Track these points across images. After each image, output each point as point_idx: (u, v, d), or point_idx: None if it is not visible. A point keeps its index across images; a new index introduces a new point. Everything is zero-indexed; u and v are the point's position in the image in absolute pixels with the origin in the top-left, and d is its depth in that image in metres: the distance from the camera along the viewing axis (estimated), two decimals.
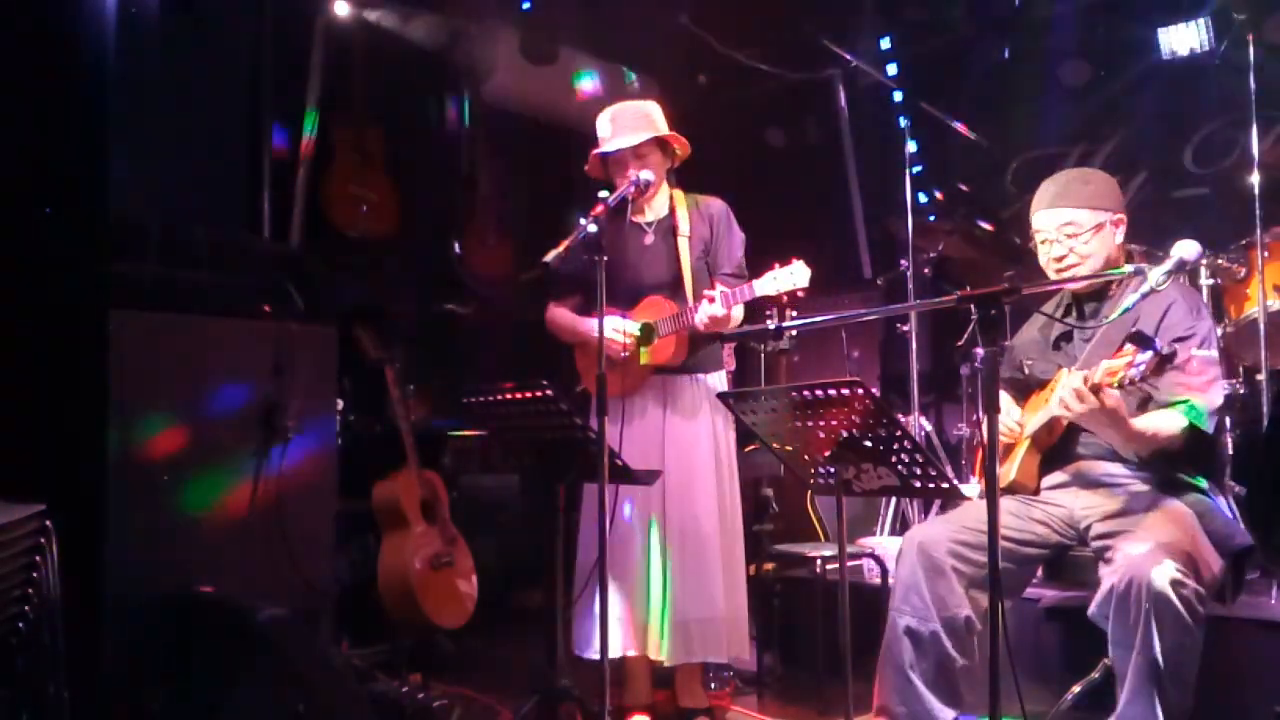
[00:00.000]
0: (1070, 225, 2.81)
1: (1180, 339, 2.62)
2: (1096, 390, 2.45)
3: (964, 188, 5.54)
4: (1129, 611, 2.41)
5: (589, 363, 3.47)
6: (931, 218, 5.16)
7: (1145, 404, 2.67)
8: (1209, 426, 2.63)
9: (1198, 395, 2.60)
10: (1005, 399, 2.97)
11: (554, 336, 3.57)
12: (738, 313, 3.35)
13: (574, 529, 3.38)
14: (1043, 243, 2.89)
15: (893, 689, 2.69)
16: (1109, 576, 2.49)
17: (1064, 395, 2.53)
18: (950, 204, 5.44)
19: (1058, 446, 2.83)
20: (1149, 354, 2.27)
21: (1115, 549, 2.55)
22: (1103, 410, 2.49)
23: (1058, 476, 2.84)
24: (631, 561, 3.31)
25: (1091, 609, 2.53)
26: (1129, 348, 2.33)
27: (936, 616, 2.65)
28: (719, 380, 3.50)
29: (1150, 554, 2.42)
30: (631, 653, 3.32)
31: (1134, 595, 2.39)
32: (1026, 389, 2.97)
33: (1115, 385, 2.37)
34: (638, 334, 3.25)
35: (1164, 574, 2.37)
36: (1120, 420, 2.55)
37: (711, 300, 3.16)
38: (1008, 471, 2.84)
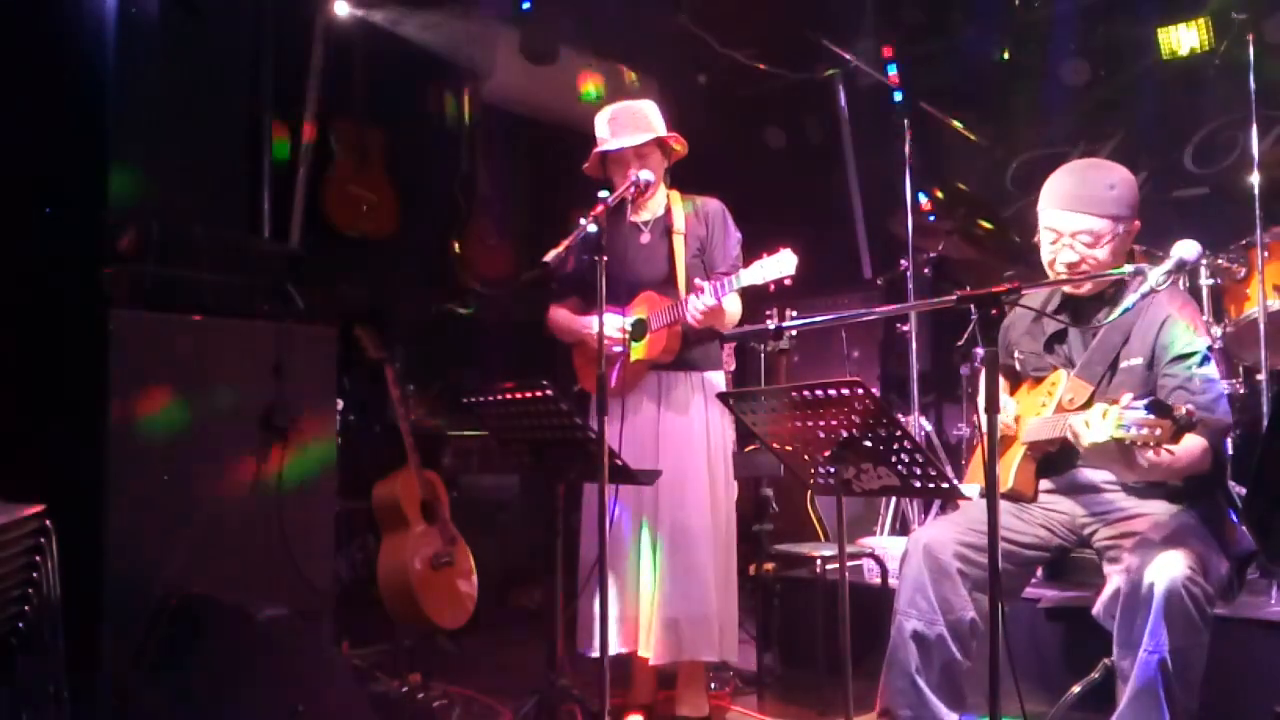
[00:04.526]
0: (1087, 234, 2.67)
1: (1180, 357, 2.60)
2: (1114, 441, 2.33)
3: (962, 186, 5.53)
4: (1137, 610, 2.38)
5: (586, 361, 3.47)
6: (931, 218, 5.14)
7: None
8: (1225, 445, 2.60)
9: (1208, 415, 2.52)
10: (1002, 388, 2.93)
11: (554, 337, 3.57)
12: (734, 308, 3.34)
13: (574, 529, 3.38)
14: (1052, 242, 2.73)
15: (897, 692, 2.67)
16: (1117, 575, 2.46)
17: (1072, 438, 2.47)
18: (950, 204, 5.43)
19: (1055, 454, 2.78)
20: (1166, 422, 2.21)
21: (1123, 549, 2.52)
22: (1118, 449, 2.38)
23: (1056, 484, 2.81)
24: (625, 559, 3.31)
25: (1096, 609, 2.51)
26: (1145, 413, 2.23)
27: (942, 619, 2.63)
28: (718, 379, 3.48)
29: (1161, 553, 2.40)
30: (626, 650, 3.31)
31: (1143, 594, 2.37)
32: (1017, 379, 2.94)
33: (1127, 443, 2.29)
34: (630, 329, 3.23)
35: (1175, 572, 2.35)
36: (1132, 460, 2.43)
37: (700, 291, 3.15)
38: (1005, 477, 2.79)
